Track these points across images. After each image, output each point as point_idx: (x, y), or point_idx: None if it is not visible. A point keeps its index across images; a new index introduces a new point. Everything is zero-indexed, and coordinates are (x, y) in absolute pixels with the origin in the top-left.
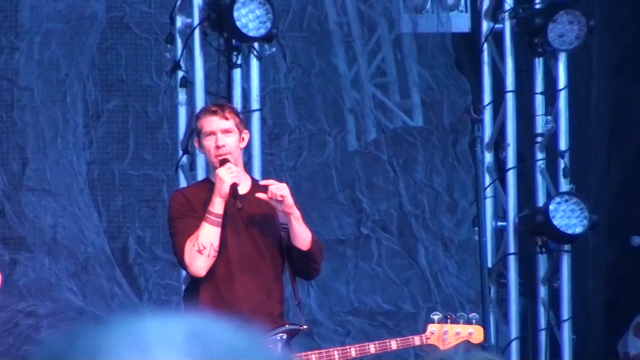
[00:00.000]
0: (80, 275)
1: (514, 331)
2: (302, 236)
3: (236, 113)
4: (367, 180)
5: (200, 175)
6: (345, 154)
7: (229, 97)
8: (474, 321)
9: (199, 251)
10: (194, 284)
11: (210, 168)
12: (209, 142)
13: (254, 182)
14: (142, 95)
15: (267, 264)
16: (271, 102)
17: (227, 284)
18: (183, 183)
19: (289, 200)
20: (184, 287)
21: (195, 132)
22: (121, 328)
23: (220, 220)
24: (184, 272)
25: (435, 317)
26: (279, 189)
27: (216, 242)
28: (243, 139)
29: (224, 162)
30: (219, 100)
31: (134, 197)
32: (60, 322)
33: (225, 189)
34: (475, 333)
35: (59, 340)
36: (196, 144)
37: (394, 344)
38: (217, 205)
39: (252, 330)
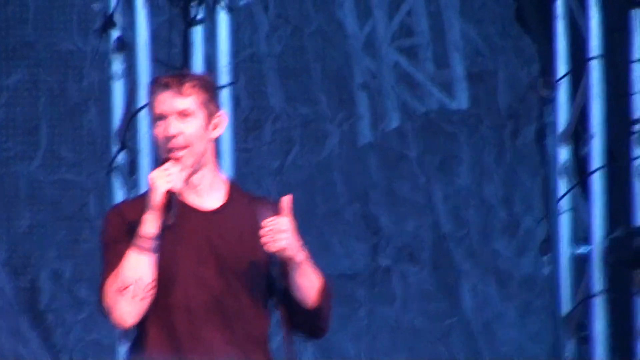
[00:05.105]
0: None
1: None
2: (307, 288)
3: (203, 86)
4: (387, 188)
5: (145, 180)
6: (354, 149)
7: (185, 67)
8: None
9: (119, 291)
10: (140, 341)
11: None
12: (158, 130)
13: (233, 189)
14: (58, 65)
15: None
16: (247, 75)
17: (189, 342)
18: (119, 194)
19: (291, 244)
20: (120, 347)
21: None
22: None
23: (153, 245)
24: None
25: None
26: (274, 231)
27: (147, 276)
28: (215, 125)
29: (166, 161)
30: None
31: (47, 213)
32: None
33: (156, 199)
34: None
35: None
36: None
37: None
38: (148, 224)
39: None
